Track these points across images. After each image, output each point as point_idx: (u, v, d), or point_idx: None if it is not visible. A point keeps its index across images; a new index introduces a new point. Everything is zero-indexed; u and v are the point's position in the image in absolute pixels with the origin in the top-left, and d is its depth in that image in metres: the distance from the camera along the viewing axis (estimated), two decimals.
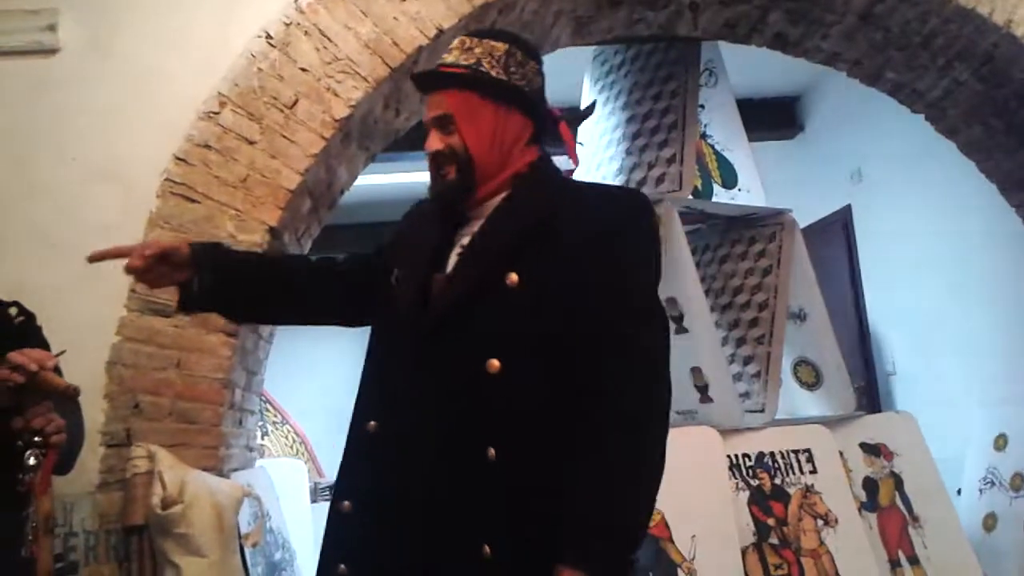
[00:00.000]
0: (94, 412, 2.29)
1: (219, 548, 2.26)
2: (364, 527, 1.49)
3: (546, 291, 1.46)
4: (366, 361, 1.63)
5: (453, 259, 1.57)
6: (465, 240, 1.58)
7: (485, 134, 1.57)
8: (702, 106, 3.47)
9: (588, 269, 1.46)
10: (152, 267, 1.59)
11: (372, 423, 1.53)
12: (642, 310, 1.49)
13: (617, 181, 3.41)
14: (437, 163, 1.60)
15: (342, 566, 1.49)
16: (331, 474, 3.87)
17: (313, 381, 4.76)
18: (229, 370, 2.46)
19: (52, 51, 2.59)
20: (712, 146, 3.55)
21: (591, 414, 1.40)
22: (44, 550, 1.66)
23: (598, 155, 3.58)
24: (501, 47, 1.60)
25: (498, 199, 1.59)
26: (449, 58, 1.61)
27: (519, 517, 1.40)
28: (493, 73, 1.58)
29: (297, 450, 4.35)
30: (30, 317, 1.99)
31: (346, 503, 1.53)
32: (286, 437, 4.39)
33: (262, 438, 3.55)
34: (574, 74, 3.95)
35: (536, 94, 1.62)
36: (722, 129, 3.60)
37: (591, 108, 2.08)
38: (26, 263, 2.35)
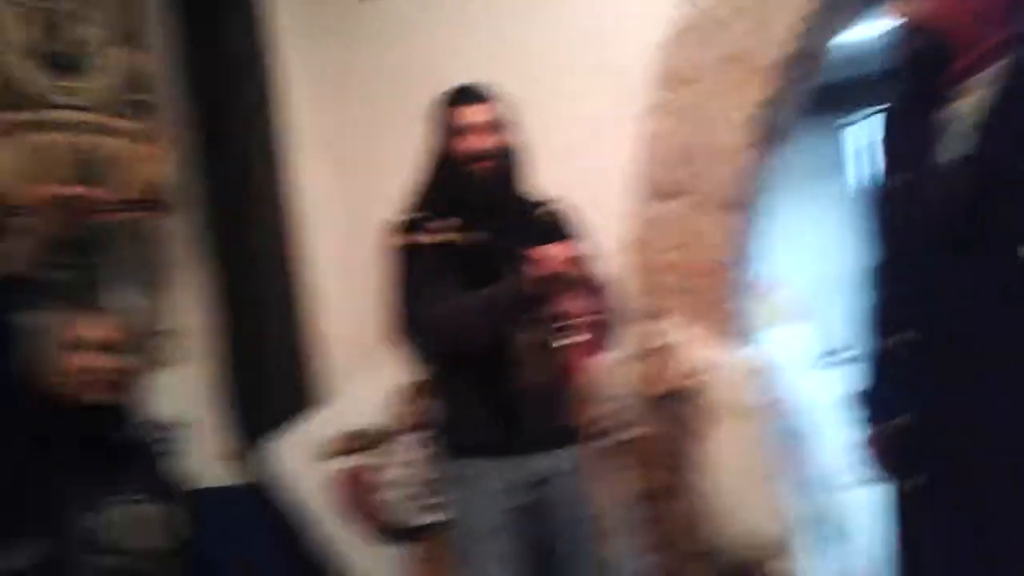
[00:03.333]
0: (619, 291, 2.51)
1: (740, 417, 2.38)
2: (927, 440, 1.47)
3: None
4: (871, 269, 1.59)
5: (957, 141, 1.42)
6: (966, 120, 1.42)
7: None
8: None
9: None
10: None
11: (910, 332, 1.47)
12: None
13: None
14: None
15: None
16: (825, 341, 3.85)
17: (798, 249, 4.70)
18: (736, 245, 2.54)
19: None
20: None
21: None
22: (590, 415, 1.91)
23: None
24: None
25: (988, 72, 1.41)
26: None
27: None
28: None
29: (788, 318, 4.36)
30: (560, 213, 2.23)
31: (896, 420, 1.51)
32: (776, 306, 4.42)
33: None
34: None
35: None
36: None
37: None
38: (541, 163, 2.59)
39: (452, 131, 2.06)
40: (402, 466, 2.68)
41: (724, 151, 2.53)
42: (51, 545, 1.60)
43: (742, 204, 2.57)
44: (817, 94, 2.86)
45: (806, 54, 2.67)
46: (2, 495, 1.58)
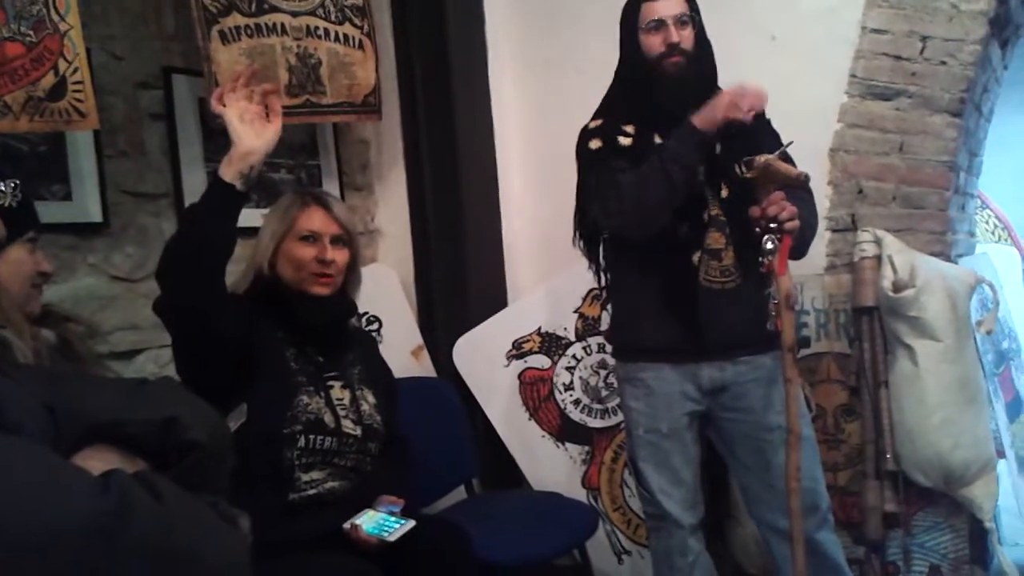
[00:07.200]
0: (818, 198, 2.36)
1: (953, 333, 2.24)
2: None
3: None
4: None
5: None
6: None
7: None
8: None
9: None
10: None
11: None
12: None
13: None
14: None
15: None
16: None
17: (1010, 160, 4.27)
18: (954, 152, 2.34)
19: None
20: None
21: None
22: (787, 324, 1.83)
23: None
24: None
25: None
26: None
27: None
28: None
29: (999, 236, 4.03)
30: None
31: None
32: (987, 222, 4.09)
33: None
34: None
35: None
36: None
37: None
38: (748, 56, 2.43)
39: (641, 27, 1.98)
40: (580, 368, 2.72)
41: (950, 45, 2.31)
42: (276, 420, 1.68)
43: (968, 104, 2.35)
44: None
45: None
46: (236, 368, 1.65)
